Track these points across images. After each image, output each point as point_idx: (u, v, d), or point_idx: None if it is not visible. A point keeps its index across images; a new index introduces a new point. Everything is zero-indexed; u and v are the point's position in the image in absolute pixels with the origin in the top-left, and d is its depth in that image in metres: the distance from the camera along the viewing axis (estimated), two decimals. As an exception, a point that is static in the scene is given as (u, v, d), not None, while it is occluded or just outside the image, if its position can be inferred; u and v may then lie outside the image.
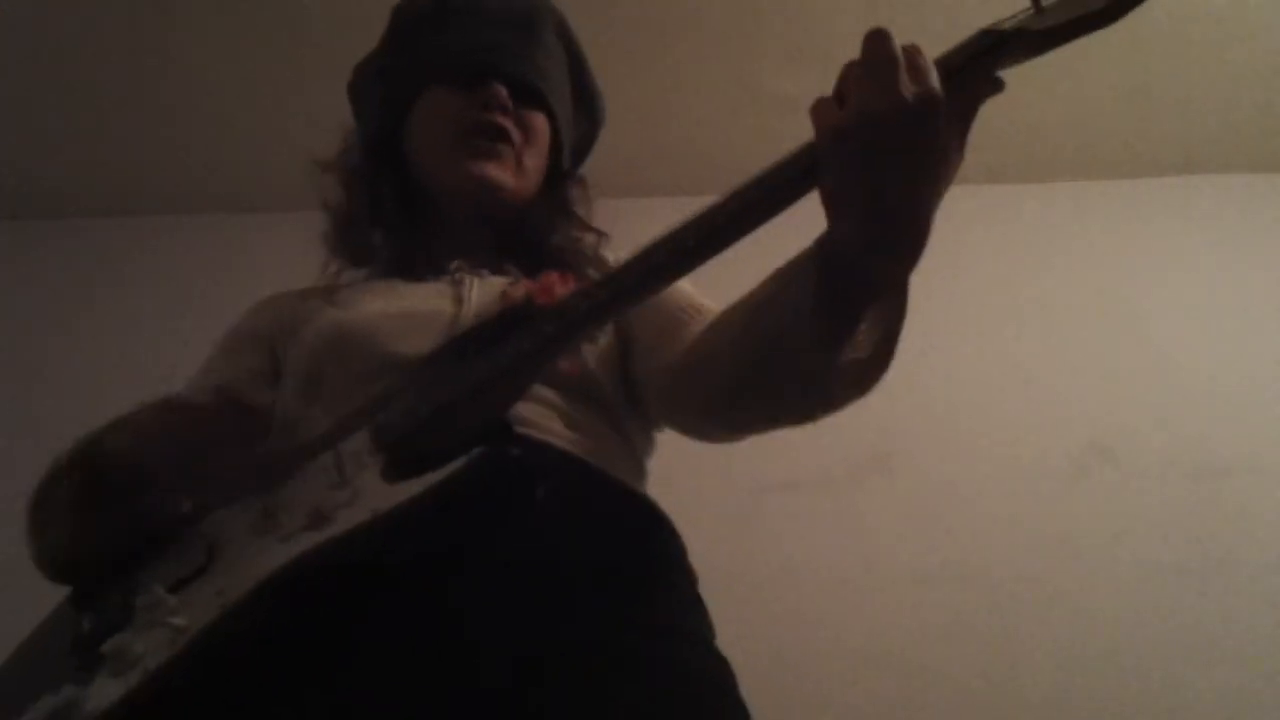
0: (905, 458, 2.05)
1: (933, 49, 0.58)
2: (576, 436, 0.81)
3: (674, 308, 0.89)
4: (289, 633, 0.60)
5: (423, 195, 1.01)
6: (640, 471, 0.92)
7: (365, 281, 1.01)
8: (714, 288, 0.88)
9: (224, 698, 0.60)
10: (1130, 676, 1.79)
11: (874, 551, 1.93)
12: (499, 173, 0.96)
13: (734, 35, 2.08)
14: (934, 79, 0.55)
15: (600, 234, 1.06)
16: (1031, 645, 1.82)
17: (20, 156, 2.30)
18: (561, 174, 1.06)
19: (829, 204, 0.60)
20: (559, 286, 0.84)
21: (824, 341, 0.63)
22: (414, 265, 0.97)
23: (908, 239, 0.59)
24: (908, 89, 0.55)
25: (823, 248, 0.63)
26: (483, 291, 0.90)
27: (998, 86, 0.59)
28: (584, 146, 1.13)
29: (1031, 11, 0.58)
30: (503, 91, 0.96)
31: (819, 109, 0.58)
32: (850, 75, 0.57)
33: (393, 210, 1.01)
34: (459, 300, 0.89)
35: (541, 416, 0.80)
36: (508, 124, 0.97)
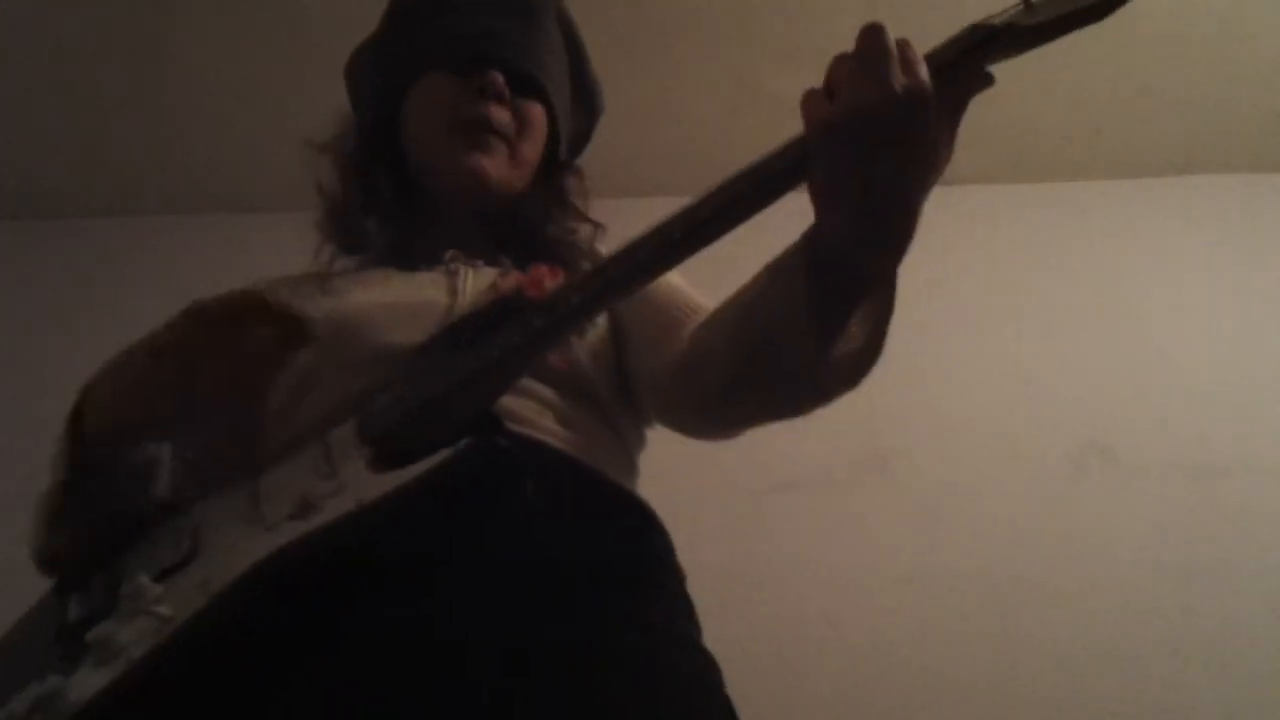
0: (905, 458, 2.05)
1: (930, 47, 0.59)
2: (568, 433, 0.81)
3: (669, 305, 0.89)
4: (274, 623, 0.60)
5: (418, 183, 1.00)
6: (631, 468, 0.92)
7: (359, 270, 1.00)
8: (711, 285, 0.88)
9: (208, 688, 0.59)
10: (1130, 676, 1.79)
11: (874, 551, 1.93)
12: (491, 165, 0.95)
13: (734, 35, 2.08)
14: (924, 73, 0.56)
15: (596, 225, 1.06)
16: (1031, 645, 1.82)
17: (20, 156, 2.30)
18: (558, 164, 1.06)
19: (817, 196, 0.60)
20: (548, 279, 0.84)
21: (815, 335, 0.63)
22: (409, 254, 0.97)
23: (896, 232, 0.59)
24: (898, 82, 0.55)
25: (811, 241, 0.63)
26: (478, 283, 0.90)
27: (988, 81, 0.59)
28: (581, 138, 1.13)
29: (1021, 7, 0.58)
30: (500, 79, 0.95)
31: (809, 101, 0.58)
32: (841, 68, 0.57)
33: (388, 198, 1.01)
34: (454, 291, 0.88)
35: (533, 412, 0.80)
36: (503, 115, 0.96)
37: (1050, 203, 2.40)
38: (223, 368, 0.74)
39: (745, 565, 1.87)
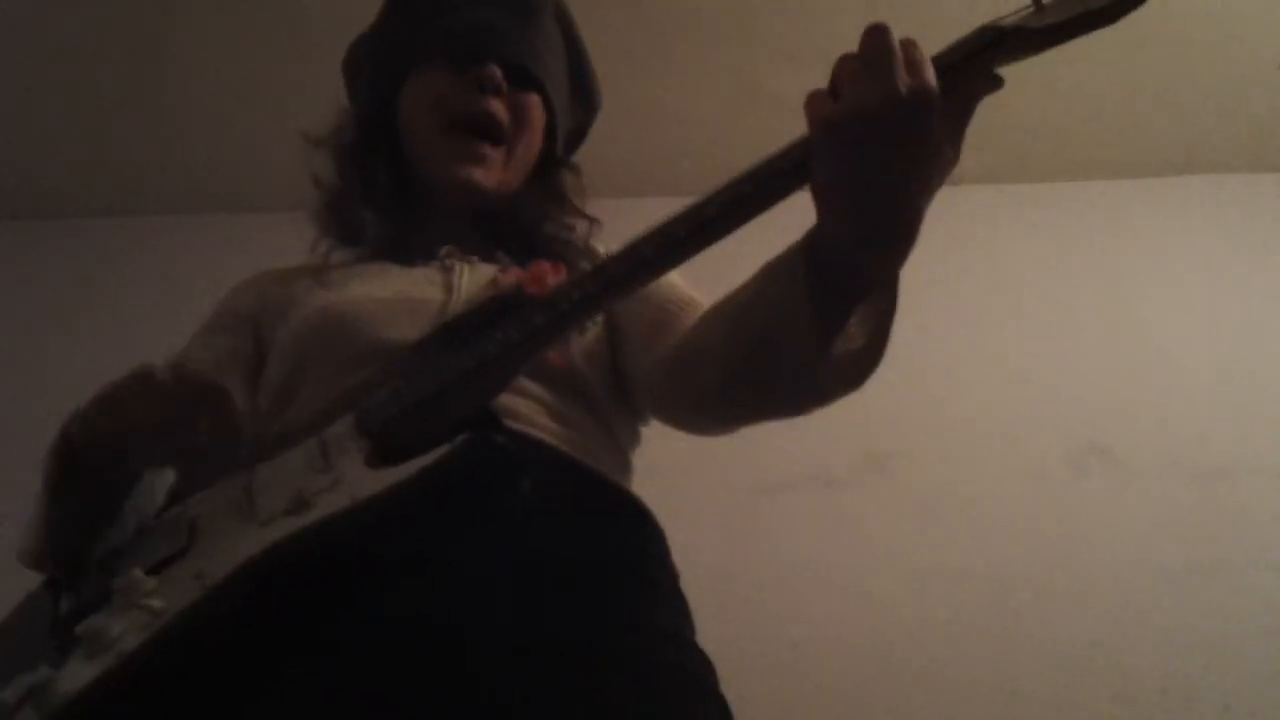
0: (905, 458, 2.04)
1: (933, 47, 0.58)
2: (563, 431, 0.81)
3: (664, 301, 0.89)
4: (267, 619, 0.60)
5: (415, 176, 1.00)
6: (626, 467, 0.92)
7: (355, 263, 1.00)
8: (712, 286, 0.88)
9: (199, 682, 0.59)
10: (1130, 676, 1.79)
11: (873, 551, 1.93)
12: (485, 177, 0.95)
13: (734, 35, 2.08)
14: (929, 74, 0.55)
15: (593, 221, 1.06)
16: (1031, 645, 1.82)
17: (20, 156, 2.30)
18: (554, 160, 1.06)
19: (819, 197, 0.60)
20: (550, 276, 0.84)
21: (814, 333, 0.63)
22: (405, 247, 0.97)
23: (897, 233, 0.59)
24: (903, 83, 0.55)
25: (812, 241, 0.63)
26: (473, 279, 0.90)
27: (996, 84, 0.59)
28: (579, 134, 1.13)
29: (1032, 9, 0.58)
30: (497, 73, 0.95)
31: (813, 102, 0.58)
32: (845, 68, 0.57)
33: (385, 190, 1.00)
34: (449, 288, 0.88)
35: (528, 410, 0.80)
36: (499, 110, 0.96)
37: (1050, 203, 2.40)
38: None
39: (744, 565, 1.87)
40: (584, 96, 1.10)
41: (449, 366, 0.67)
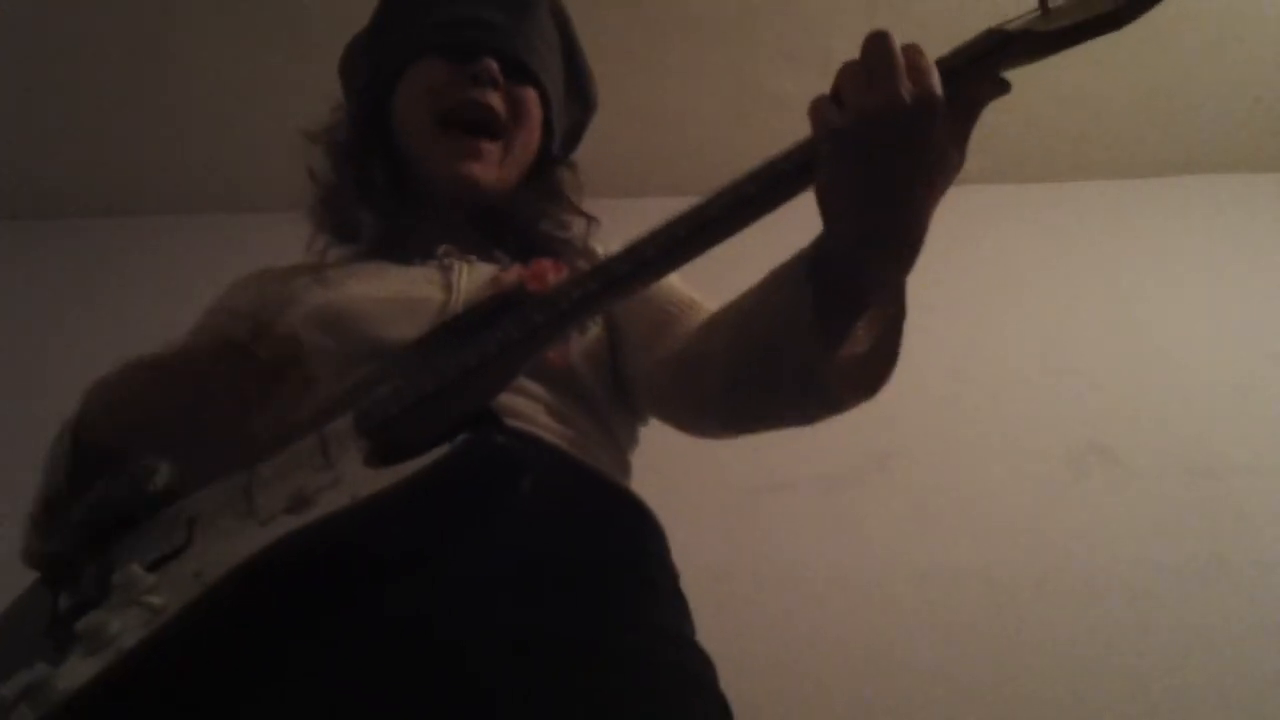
0: (905, 458, 2.04)
1: (934, 50, 0.58)
2: (563, 430, 0.81)
3: (665, 302, 0.89)
4: (267, 617, 0.60)
5: (411, 173, 1.00)
6: (625, 467, 0.92)
7: (352, 262, 1.00)
8: (711, 286, 0.88)
9: (199, 680, 0.59)
10: (1130, 676, 1.79)
11: (874, 551, 1.93)
12: (483, 171, 0.95)
13: (734, 35, 2.08)
14: (934, 80, 0.55)
15: (591, 219, 1.06)
16: (1031, 645, 1.82)
17: (20, 156, 2.30)
18: (551, 158, 1.06)
19: (823, 201, 0.60)
20: (551, 274, 0.84)
21: (816, 339, 0.63)
22: (402, 245, 0.97)
23: (902, 238, 0.59)
24: (906, 90, 0.54)
25: (818, 247, 0.63)
26: (472, 278, 0.89)
27: (1003, 88, 0.58)
28: (575, 132, 1.12)
29: (1038, 13, 0.57)
30: (493, 65, 0.95)
31: (817, 108, 0.58)
32: (848, 74, 0.57)
33: (381, 188, 1.00)
34: (448, 287, 0.88)
35: (528, 409, 0.80)
36: (496, 102, 0.95)
37: (1050, 203, 2.41)
38: (223, 394, 0.72)
39: (744, 565, 1.87)
40: (580, 94, 1.10)
41: (450, 365, 0.67)
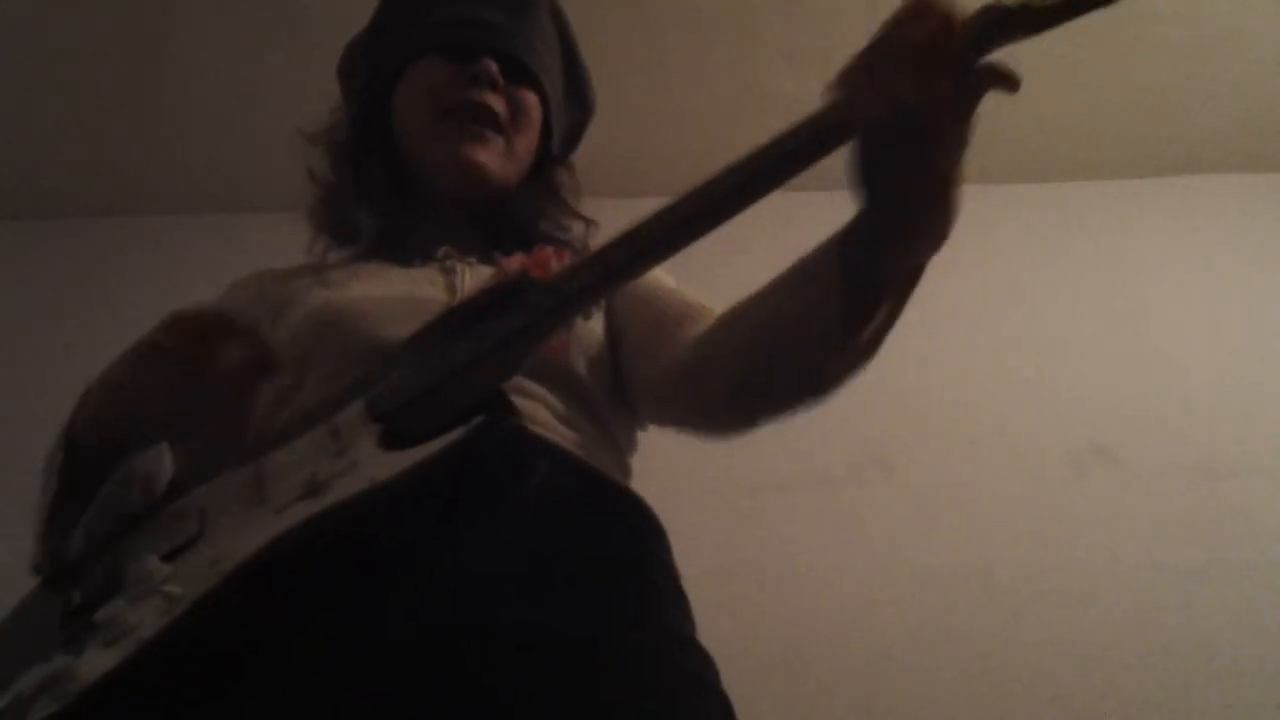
0: (905, 458, 2.04)
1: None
2: (564, 430, 0.81)
3: (667, 306, 0.88)
4: (284, 604, 0.59)
5: (410, 173, 1.00)
6: (625, 469, 0.92)
7: (353, 263, 1.00)
8: (709, 287, 0.88)
9: (219, 667, 0.59)
10: (1130, 676, 1.79)
11: (874, 551, 1.93)
12: (488, 157, 0.95)
13: (733, 35, 2.08)
14: (967, 63, 0.55)
15: (589, 221, 1.06)
16: (1031, 645, 1.82)
17: (20, 156, 2.30)
18: (550, 159, 1.06)
19: (863, 185, 0.60)
20: (554, 261, 0.84)
21: (844, 326, 0.63)
22: (402, 247, 0.97)
23: (941, 222, 0.60)
24: (940, 78, 0.54)
25: (850, 233, 0.63)
26: (475, 281, 0.89)
27: (1011, 85, 0.58)
28: (574, 135, 1.12)
29: None
30: (493, 66, 0.95)
31: (852, 81, 0.57)
32: (887, 54, 0.56)
33: (380, 188, 1.00)
34: (451, 289, 0.88)
35: (530, 409, 0.79)
36: (496, 103, 0.95)
37: (1050, 203, 2.40)
38: (197, 383, 0.73)
39: (745, 565, 1.87)
40: (579, 96, 1.10)
41: (459, 350, 0.67)
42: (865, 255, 0.62)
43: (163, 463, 0.75)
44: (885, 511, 1.98)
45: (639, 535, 0.80)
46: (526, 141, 1.00)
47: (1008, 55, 0.56)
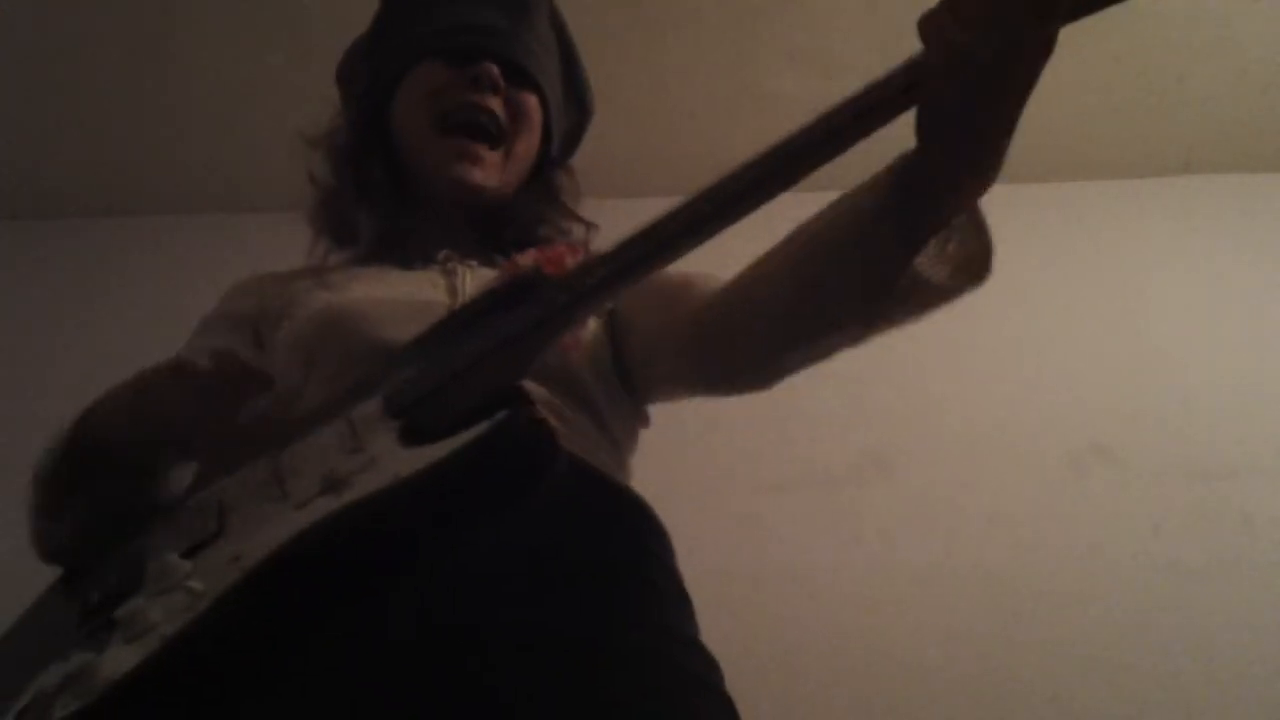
0: (905, 458, 2.04)
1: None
2: (568, 431, 0.81)
3: (671, 273, 0.87)
4: (304, 600, 0.59)
5: (410, 176, 1.00)
6: (625, 470, 0.92)
7: (354, 265, 1.00)
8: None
9: (238, 664, 0.58)
10: (1130, 676, 1.79)
11: (874, 551, 1.93)
12: (484, 176, 0.95)
13: (733, 35, 2.08)
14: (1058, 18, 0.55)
15: (589, 225, 1.06)
16: (1031, 645, 1.82)
17: (20, 156, 2.30)
18: (549, 162, 1.06)
19: (931, 125, 0.60)
20: (568, 257, 0.84)
21: (900, 248, 0.64)
22: (402, 249, 0.97)
23: (997, 163, 0.61)
24: (1033, 28, 0.54)
25: (904, 168, 0.63)
26: (475, 283, 0.90)
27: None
28: (573, 138, 1.13)
29: None
30: (493, 69, 0.95)
31: (936, 24, 0.57)
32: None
33: (380, 191, 1.00)
34: (453, 292, 0.88)
35: None
36: (496, 105, 0.95)
37: (1050, 203, 2.40)
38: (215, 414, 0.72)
39: (745, 565, 1.87)
40: (578, 99, 1.10)
41: (475, 345, 0.66)
42: (918, 195, 0.62)
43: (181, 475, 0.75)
44: (885, 511, 1.98)
45: (639, 536, 0.80)
46: (526, 145, 1.00)
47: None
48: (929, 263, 0.66)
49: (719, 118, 2.24)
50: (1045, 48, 0.55)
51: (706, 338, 0.84)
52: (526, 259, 0.88)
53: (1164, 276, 2.30)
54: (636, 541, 0.79)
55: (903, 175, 0.63)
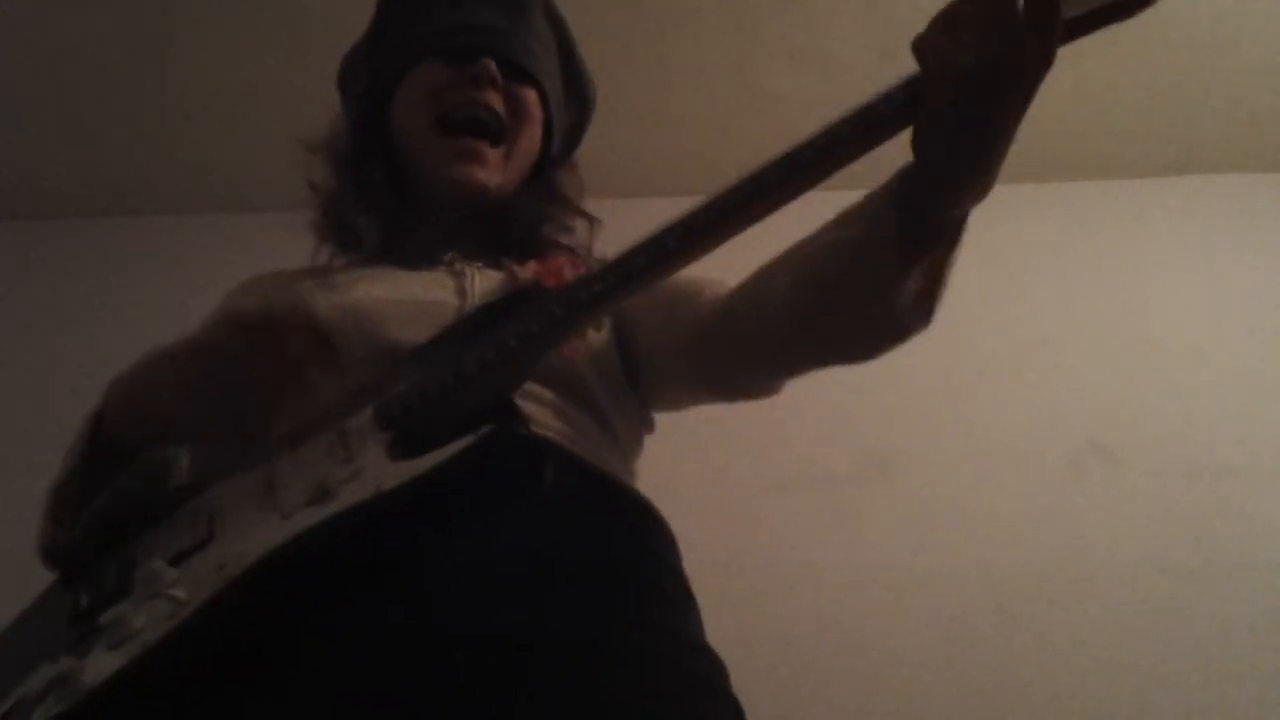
0: (905, 458, 2.04)
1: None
2: (570, 432, 0.81)
3: (681, 281, 0.87)
4: (291, 609, 0.60)
5: (410, 176, 1.00)
6: (629, 471, 0.92)
7: (358, 266, 1.00)
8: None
9: (223, 671, 0.59)
10: (1130, 676, 1.79)
11: (874, 551, 1.93)
12: (486, 175, 0.95)
13: (734, 35, 2.08)
14: (1056, 34, 0.55)
15: (593, 220, 1.06)
16: (1031, 645, 1.82)
17: (20, 156, 2.30)
18: (551, 159, 1.06)
19: (928, 141, 0.60)
20: (567, 269, 0.84)
21: (897, 264, 0.63)
22: (404, 250, 0.97)
23: (991, 177, 0.60)
24: (1032, 41, 0.54)
25: (903, 182, 0.63)
26: (484, 284, 0.90)
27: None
28: (575, 133, 1.12)
29: None
30: (492, 66, 0.95)
31: (932, 48, 0.57)
32: (970, 12, 0.56)
33: (381, 191, 1.00)
34: (462, 293, 0.88)
35: (537, 412, 0.79)
36: (496, 101, 0.96)
37: (1050, 203, 2.40)
38: (252, 378, 0.71)
39: (745, 565, 1.87)
40: (578, 95, 1.10)
41: (469, 358, 0.67)
42: (916, 203, 0.62)
43: (178, 465, 0.75)
44: (885, 511, 1.98)
45: (642, 536, 0.80)
46: (528, 141, 1.00)
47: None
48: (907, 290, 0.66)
49: (719, 118, 2.24)
50: (1044, 63, 0.55)
51: (709, 353, 0.84)
52: (526, 271, 0.88)
53: (1164, 276, 2.30)
54: (639, 541, 0.78)
55: (901, 188, 0.63)
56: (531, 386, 0.81)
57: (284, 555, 0.59)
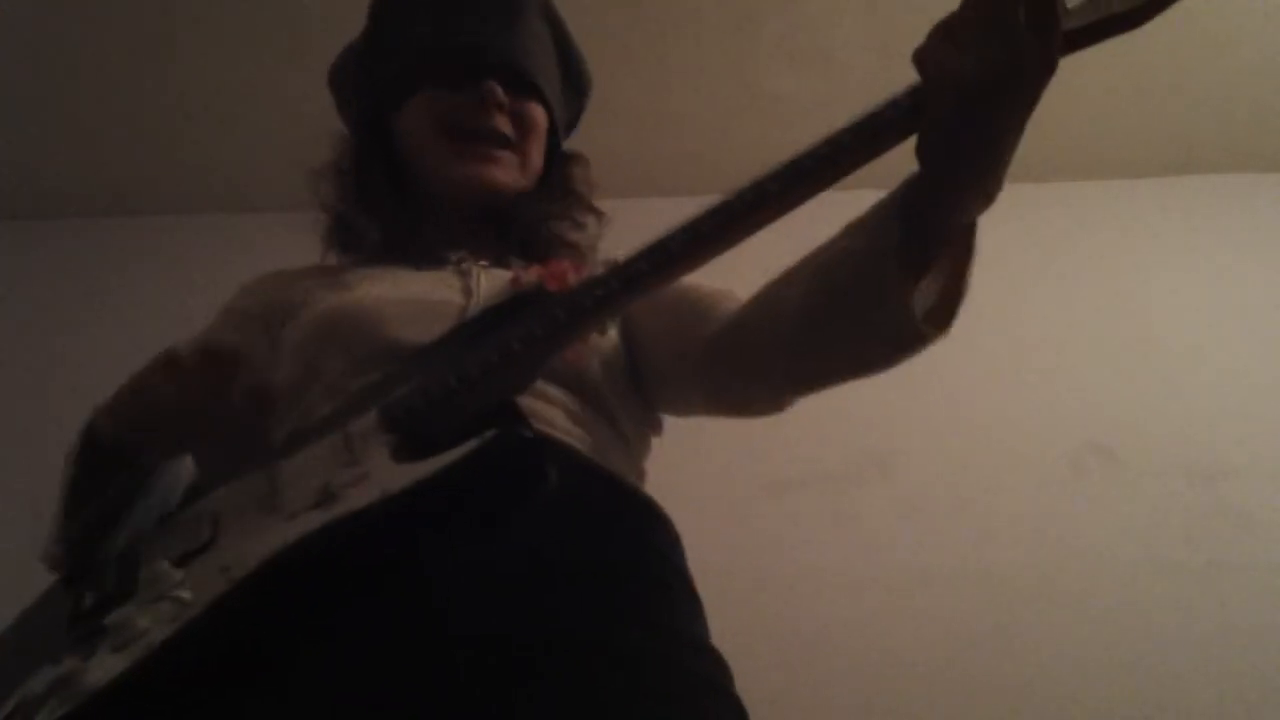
0: (905, 458, 2.05)
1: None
2: (579, 433, 0.81)
3: (690, 291, 0.88)
4: (294, 611, 0.60)
5: (411, 175, 1.00)
6: (639, 474, 0.92)
7: (363, 266, 1.00)
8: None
9: (227, 673, 0.59)
10: (1130, 676, 1.79)
11: (874, 551, 1.93)
12: (503, 173, 0.96)
13: (733, 35, 2.08)
14: (1057, 41, 0.55)
15: (600, 214, 1.06)
16: (1031, 645, 1.82)
17: (20, 156, 2.30)
18: (559, 156, 1.06)
19: (932, 149, 0.60)
20: (571, 274, 0.84)
21: (904, 273, 0.63)
22: (409, 249, 0.97)
23: (997, 184, 0.61)
24: (1033, 48, 0.54)
25: (907, 191, 0.63)
26: (490, 283, 0.90)
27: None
28: (573, 119, 1.13)
29: None
30: (498, 90, 0.95)
31: (933, 58, 0.57)
32: (971, 21, 0.56)
33: (382, 192, 1.00)
34: (467, 291, 0.88)
35: (545, 411, 0.79)
36: (504, 125, 0.96)
37: (1050, 203, 2.40)
38: (205, 404, 0.75)
39: (745, 565, 1.87)
40: (575, 82, 1.10)
41: (473, 361, 0.67)
42: (920, 211, 0.62)
43: (183, 473, 0.75)
44: (885, 511, 1.98)
45: (647, 535, 0.79)
46: (537, 151, 1.01)
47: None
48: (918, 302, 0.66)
49: (719, 118, 2.25)
50: (1045, 68, 0.55)
51: (720, 366, 0.84)
52: (530, 275, 0.88)
53: (1164, 276, 2.30)
54: (642, 540, 0.78)
55: (906, 197, 0.63)
56: (543, 387, 0.81)
57: (288, 557, 0.59)
